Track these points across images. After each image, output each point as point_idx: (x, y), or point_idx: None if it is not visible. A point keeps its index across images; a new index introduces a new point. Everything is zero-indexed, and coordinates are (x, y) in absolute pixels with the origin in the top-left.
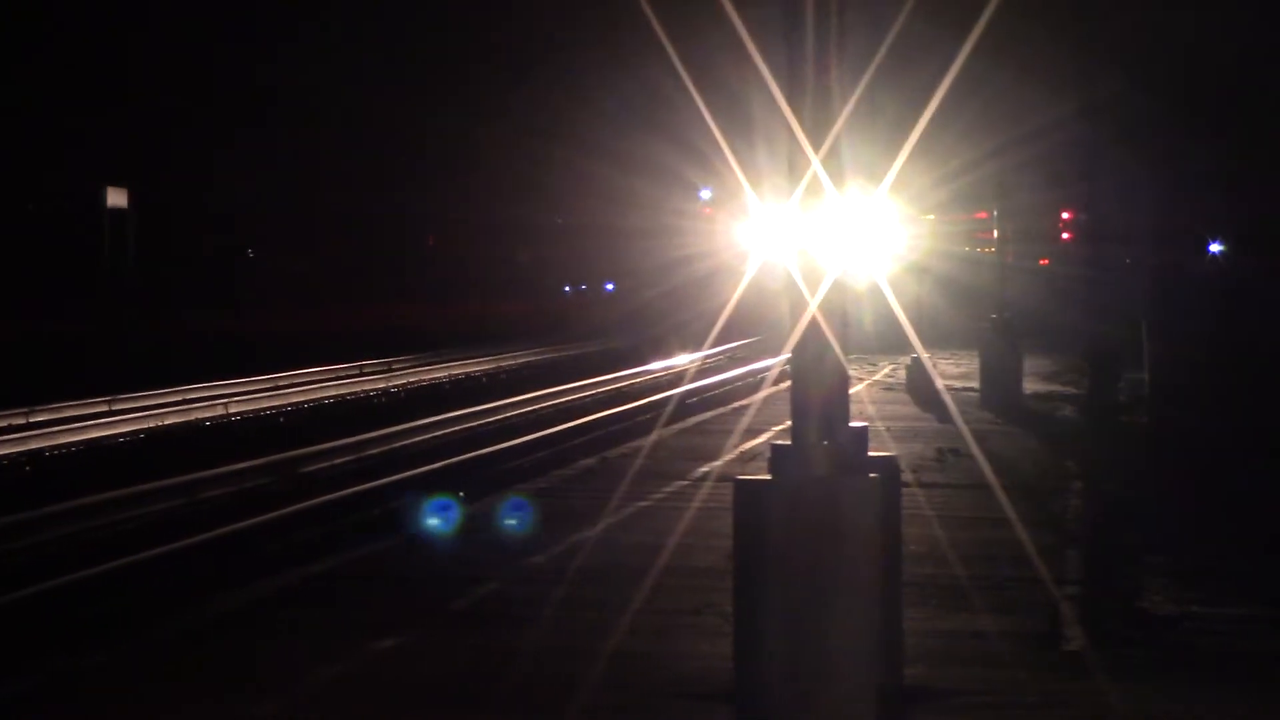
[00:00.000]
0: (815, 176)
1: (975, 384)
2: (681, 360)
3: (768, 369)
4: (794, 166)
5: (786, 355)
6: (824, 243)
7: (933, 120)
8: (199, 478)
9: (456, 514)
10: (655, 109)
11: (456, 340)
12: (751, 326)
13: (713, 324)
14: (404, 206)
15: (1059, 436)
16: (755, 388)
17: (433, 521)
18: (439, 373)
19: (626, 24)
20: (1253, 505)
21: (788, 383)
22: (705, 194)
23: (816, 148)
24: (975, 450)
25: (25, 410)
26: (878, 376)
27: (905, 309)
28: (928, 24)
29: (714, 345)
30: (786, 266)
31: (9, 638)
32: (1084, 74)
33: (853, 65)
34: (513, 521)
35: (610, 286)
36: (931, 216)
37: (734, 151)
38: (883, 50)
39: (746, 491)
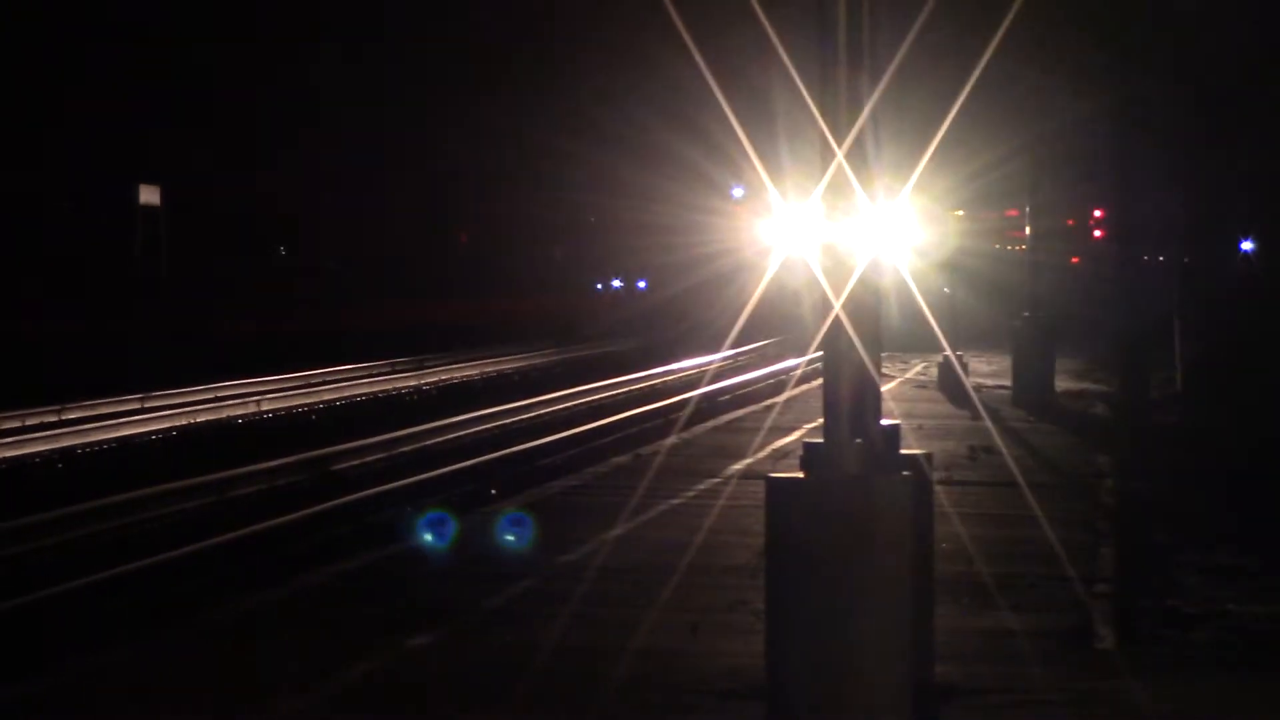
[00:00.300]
0: (843, 172)
1: (1007, 382)
2: (710, 358)
3: (796, 367)
4: (823, 162)
5: (814, 354)
6: (853, 239)
7: (962, 116)
8: (231, 475)
9: (488, 512)
10: (683, 107)
11: (489, 337)
12: (776, 325)
13: (737, 322)
14: (435, 203)
15: (1091, 434)
16: (785, 385)
17: (463, 520)
18: (471, 370)
19: (651, 22)
20: None
21: (817, 381)
22: (738, 192)
23: (844, 143)
24: (1007, 448)
25: (57, 408)
26: (909, 374)
27: (935, 307)
28: (957, 18)
29: (741, 344)
30: (815, 264)
31: (37, 636)
32: (1114, 69)
33: (882, 59)
34: (544, 519)
35: (642, 284)
36: (960, 212)
37: (760, 149)
38: (908, 42)
39: (779, 489)
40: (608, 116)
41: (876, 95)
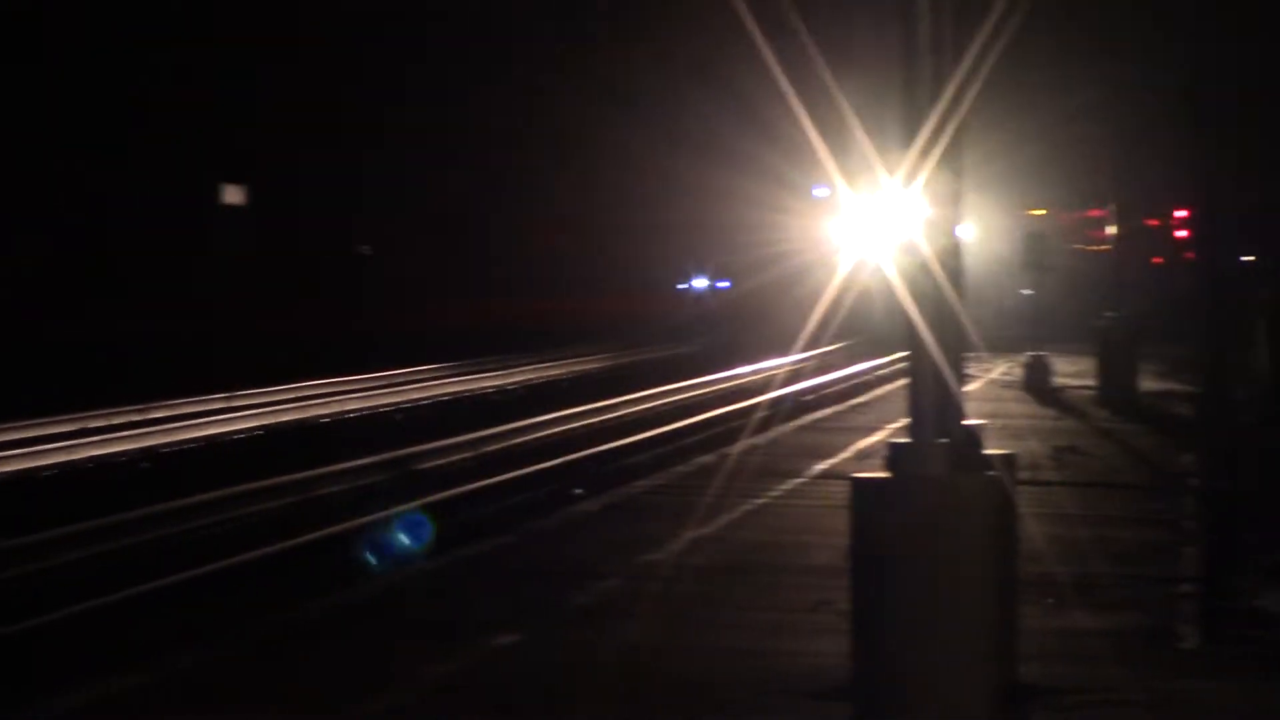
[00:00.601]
0: (929, 171)
1: (1091, 381)
2: (792, 357)
3: (879, 367)
4: (906, 162)
5: (896, 354)
6: (939, 239)
7: (1046, 117)
8: (316, 474)
9: (573, 511)
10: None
11: (575, 336)
12: (858, 325)
13: (819, 322)
14: (519, 204)
15: (1175, 433)
16: (869, 385)
17: (551, 517)
18: (557, 369)
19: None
20: None
21: (900, 380)
22: (820, 192)
23: (932, 143)
24: (1091, 448)
25: (142, 407)
26: (994, 375)
27: (1018, 308)
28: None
29: (822, 344)
30: (898, 265)
31: (126, 634)
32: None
33: (966, 58)
34: (629, 518)
35: (724, 284)
36: (1042, 211)
37: (840, 149)
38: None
39: (864, 489)
40: (689, 118)
41: (953, 87)
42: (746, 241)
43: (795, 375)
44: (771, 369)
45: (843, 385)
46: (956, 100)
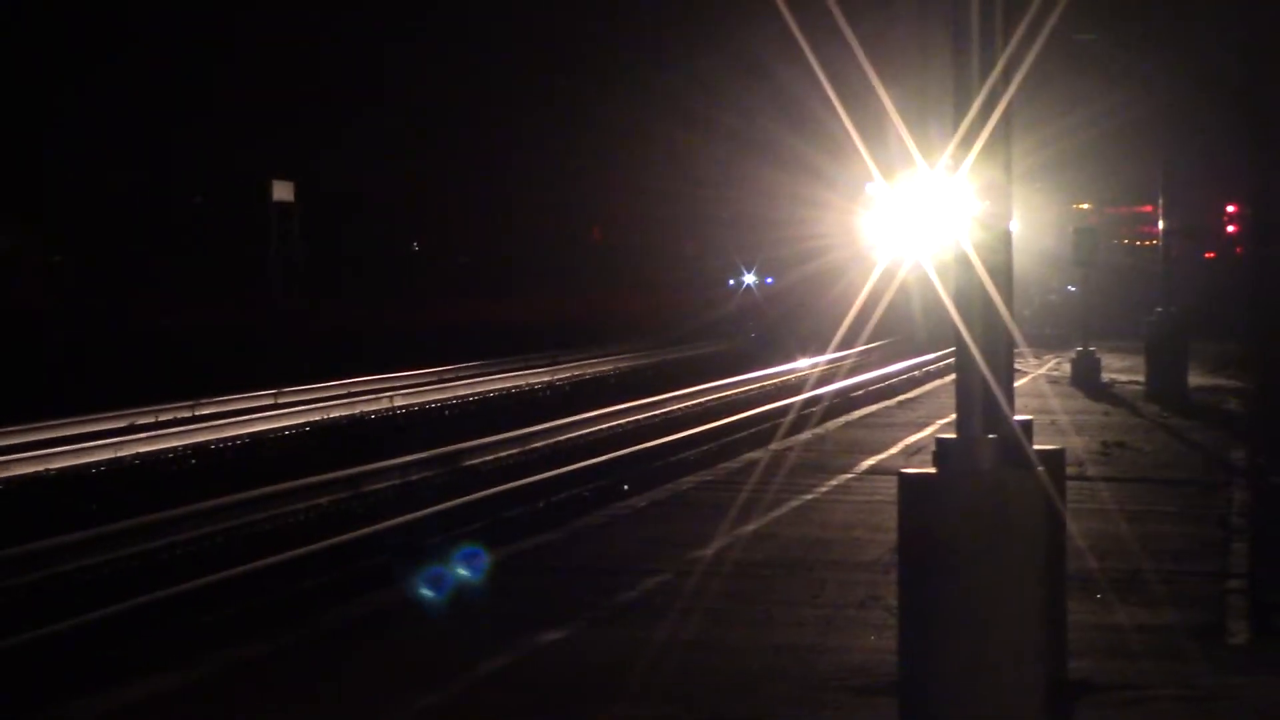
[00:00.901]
0: (978, 167)
1: (1140, 377)
2: (841, 353)
3: (928, 363)
4: (953, 160)
5: (945, 350)
6: (988, 234)
7: (1092, 114)
8: (364, 471)
9: (620, 506)
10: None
11: (622, 333)
12: (906, 321)
13: (866, 318)
14: (567, 198)
15: (1225, 429)
16: (918, 381)
17: (598, 514)
18: (604, 366)
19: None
20: None
21: (949, 376)
22: (871, 187)
23: (976, 139)
24: (1140, 443)
25: (191, 403)
26: (1043, 370)
27: (1066, 304)
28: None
29: (872, 339)
30: (953, 260)
31: (188, 627)
32: (1245, 60)
33: (1014, 53)
34: (677, 514)
35: (769, 280)
36: (1085, 206)
37: (885, 146)
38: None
39: (912, 485)
40: (735, 113)
41: (1016, 83)
42: (792, 237)
43: (845, 371)
44: (822, 364)
45: (894, 380)
46: (1004, 88)
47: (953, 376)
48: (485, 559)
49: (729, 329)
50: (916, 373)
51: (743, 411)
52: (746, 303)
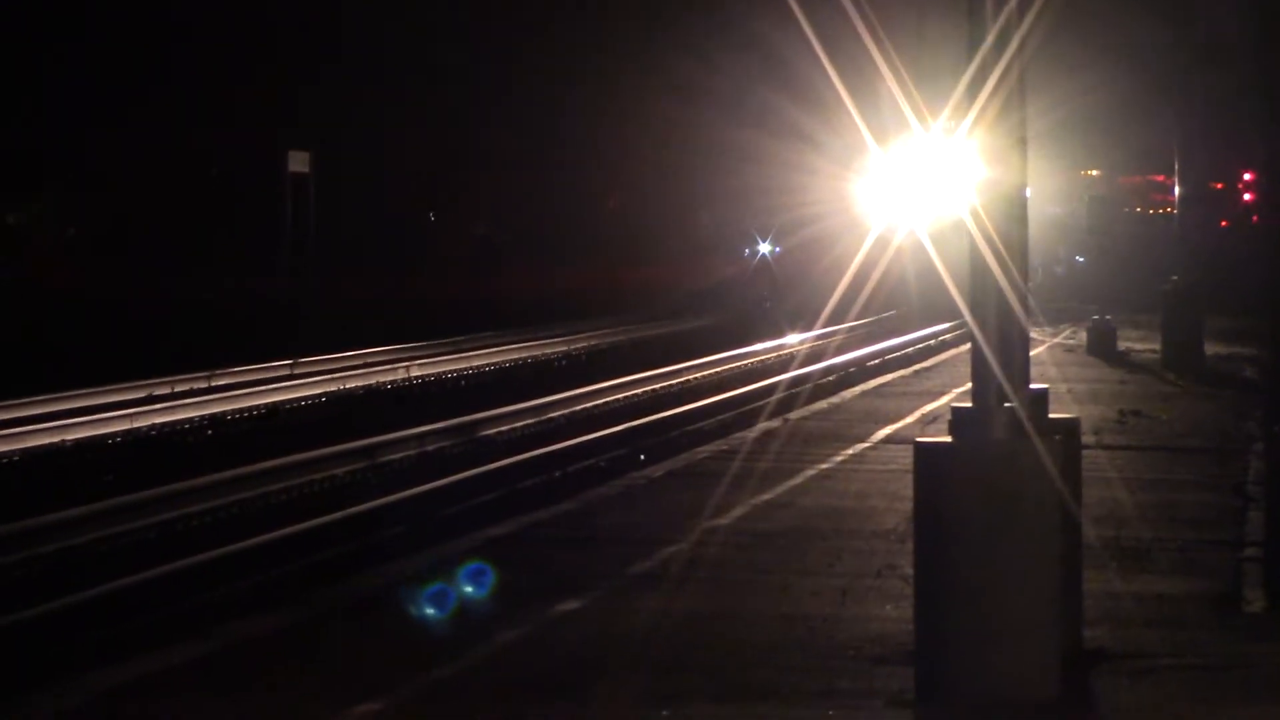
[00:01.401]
0: (990, 134)
1: (1156, 346)
2: (856, 322)
3: (943, 332)
4: (969, 131)
5: (960, 319)
6: (1002, 203)
7: (1105, 79)
8: (380, 441)
9: (636, 476)
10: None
11: (638, 303)
12: (923, 290)
13: (886, 286)
14: (581, 167)
15: (1241, 398)
16: (934, 350)
17: (613, 484)
18: (619, 336)
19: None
20: None
21: (964, 346)
22: (889, 154)
23: (992, 106)
24: (1156, 412)
25: (206, 374)
26: (1058, 339)
27: (1073, 274)
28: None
29: (888, 308)
30: (967, 228)
31: (192, 602)
32: (1270, 32)
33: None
34: (693, 484)
35: (777, 249)
36: (1095, 173)
37: (896, 118)
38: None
39: (927, 454)
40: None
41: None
42: (800, 203)
43: (861, 339)
44: (839, 332)
45: (910, 349)
46: (1019, 52)
47: (968, 346)
48: (498, 529)
49: (744, 298)
50: (932, 341)
51: (759, 380)
52: (762, 271)
